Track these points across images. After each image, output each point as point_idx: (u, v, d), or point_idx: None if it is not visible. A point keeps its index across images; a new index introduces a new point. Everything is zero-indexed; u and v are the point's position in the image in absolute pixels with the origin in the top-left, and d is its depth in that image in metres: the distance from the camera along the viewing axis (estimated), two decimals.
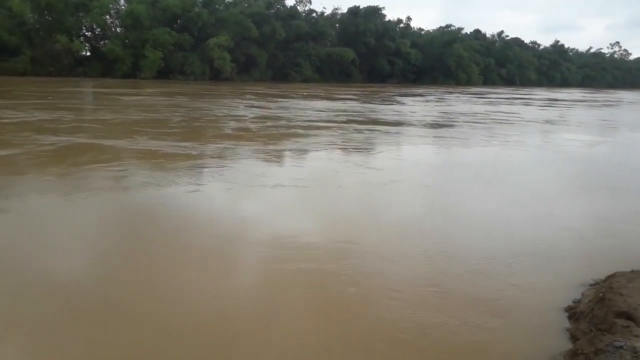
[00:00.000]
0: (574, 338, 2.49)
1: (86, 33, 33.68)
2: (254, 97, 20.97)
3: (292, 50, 40.92)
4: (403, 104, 21.22)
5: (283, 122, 11.56)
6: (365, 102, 20.60)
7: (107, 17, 33.31)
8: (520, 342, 2.52)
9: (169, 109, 13.67)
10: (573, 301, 2.90)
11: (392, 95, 26.96)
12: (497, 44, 62.76)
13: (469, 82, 50.96)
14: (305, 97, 21.97)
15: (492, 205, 5.13)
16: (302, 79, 40.09)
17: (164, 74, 33.08)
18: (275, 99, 19.74)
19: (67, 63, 31.02)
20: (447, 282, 3.15)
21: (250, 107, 16.09)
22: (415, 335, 2.54)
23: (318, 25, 43.61)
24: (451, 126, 12.62)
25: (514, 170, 7.26)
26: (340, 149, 8.26)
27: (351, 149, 8.26)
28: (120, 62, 31.61)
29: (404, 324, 2.62)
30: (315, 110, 15.19)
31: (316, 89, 29.66)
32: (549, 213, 4.82)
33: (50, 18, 30.99)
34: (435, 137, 10.78)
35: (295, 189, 5.51)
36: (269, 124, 11.14)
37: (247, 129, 10.23)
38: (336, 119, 12.78)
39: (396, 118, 14.14)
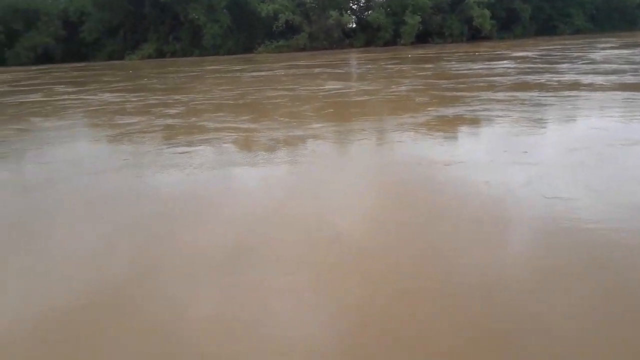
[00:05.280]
0: None
1: (352, 6, 36.24)
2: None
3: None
4: None
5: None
6: None
7: None
8: None
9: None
10: None
11: None
12: None
13: None
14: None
15: None
16: (572, 31, 35.15)
17: (422, 38, 33.23)
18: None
19: (337, 36, 33.98)
20: None
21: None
22: None
23: None
24: None
25: None
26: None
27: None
28: (383, 30, 33.04)
29: None
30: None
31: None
32: None
33: None
34: None
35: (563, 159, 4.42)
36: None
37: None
38: None
39: None
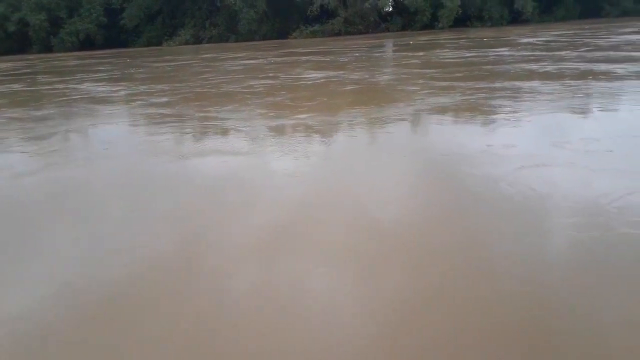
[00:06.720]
0: None
1: None
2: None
3: None
4: None
5: None
6: None
7: None
8: None
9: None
10: None
11: None
12: None
13: None
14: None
15: None
16: (618, 13, 33.75)
17: (461, 21, 32.59)
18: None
19: (373, 20, 33.68)
20: None
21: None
22: None
23: None
24: None
25: None
26: None
27: None
28: (420, 14, 32.53)
29: None
30: None
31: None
32: None
33: None
34: None
35: None
36: None
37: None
38: None
39: None
